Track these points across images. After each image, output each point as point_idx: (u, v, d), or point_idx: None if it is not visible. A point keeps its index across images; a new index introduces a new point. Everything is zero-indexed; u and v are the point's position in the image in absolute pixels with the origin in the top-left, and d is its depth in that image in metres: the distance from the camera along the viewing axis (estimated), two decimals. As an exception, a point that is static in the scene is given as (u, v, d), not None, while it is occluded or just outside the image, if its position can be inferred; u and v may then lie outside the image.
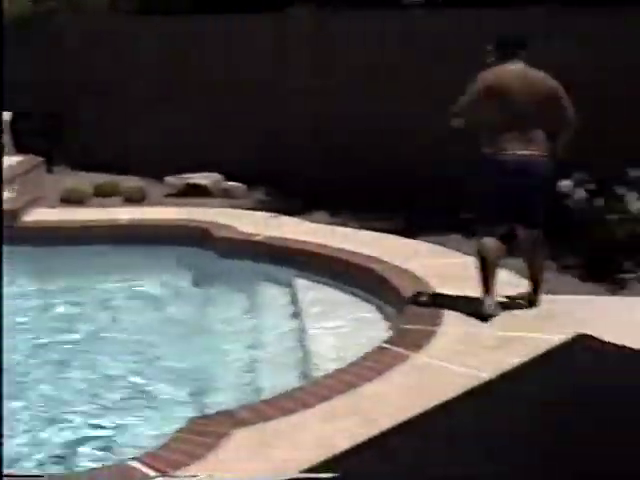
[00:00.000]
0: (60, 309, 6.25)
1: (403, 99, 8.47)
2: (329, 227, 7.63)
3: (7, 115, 10.02)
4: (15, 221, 7.66)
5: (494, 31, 5.44)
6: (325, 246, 6.79)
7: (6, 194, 8.10)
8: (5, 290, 5.09)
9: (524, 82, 5.04)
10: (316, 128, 9.05)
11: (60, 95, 10.49)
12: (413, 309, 5.27)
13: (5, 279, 6.44)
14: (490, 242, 5.19)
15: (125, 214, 8.11)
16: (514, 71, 5.09)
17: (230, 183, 9.14)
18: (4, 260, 4.98)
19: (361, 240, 7.00)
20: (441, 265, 6.27)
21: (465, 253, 6.24)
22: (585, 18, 7.60)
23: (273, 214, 7.98)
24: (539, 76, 5.10)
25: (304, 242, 6.93)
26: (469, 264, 5.51)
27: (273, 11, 9.13)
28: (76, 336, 5.69)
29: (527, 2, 7.64)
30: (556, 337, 4.72)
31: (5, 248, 7.17)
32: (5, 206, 7.63)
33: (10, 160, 9.59)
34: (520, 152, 5.03)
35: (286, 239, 7.04)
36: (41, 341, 5.60)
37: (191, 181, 9.07)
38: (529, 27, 6.58)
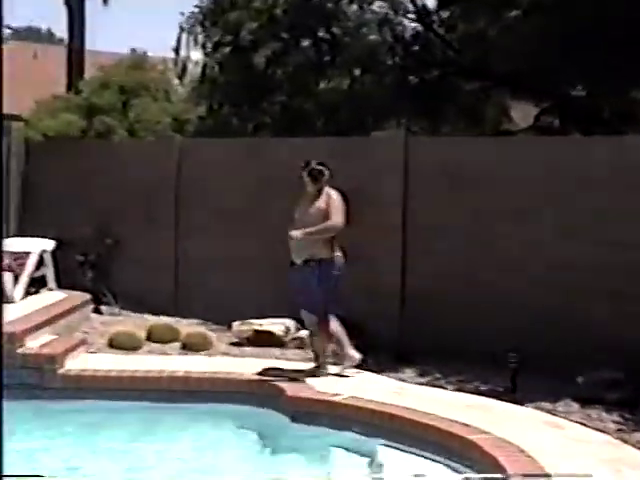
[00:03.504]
0: None
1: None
2: (419, 387, 7.60)
3: (49, 244, 10.36)
4: (55, 368, 7.75)
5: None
6: (415, 410, 6.73)
7: (47, 336, 8.33)
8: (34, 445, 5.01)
9: None
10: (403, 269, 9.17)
11: (108, 221, 10.92)
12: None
13: (38, 436, 6.57)
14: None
15: (183, 365, 8.17)
16: None
17: (304, 331, 9.19)
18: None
19: (457, 404, 6.92)
20: (552, 439, 6.14)
21: (579, 423, 6.10)
22: None
23: (357, 371, 7.96)
24: None
25: (390, 405, 6.87)
26: (584, 437, 5.37)
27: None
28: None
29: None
30: None
31: (43, 402, 7.44)
32: (45, 350, 7.84)
33: (52, 297, 9.91)
34: None
35: (370, 401, 6.99)
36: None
37: (259, 327, 9.15)
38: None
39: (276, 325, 9.19)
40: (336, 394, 7.20)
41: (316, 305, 7.77)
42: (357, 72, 12.71)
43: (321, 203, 7.76)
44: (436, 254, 8.95)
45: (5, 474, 3.39)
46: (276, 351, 8.86)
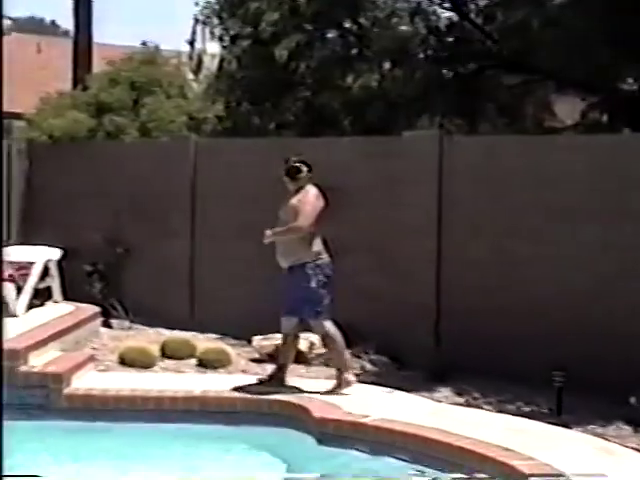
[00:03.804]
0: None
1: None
2: (456, 408, 7.60)
3: (55, 253, 10.42)
4: (61, 387, 7.78)
5: None
6: (452, 434, 6.73)
7: (52, 353, 8.38)
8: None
9: None
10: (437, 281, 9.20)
11: (118, 227, 11.00)
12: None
13: (41, 461, 6.61)
14: None
15: (200, 383, 8.19)
16: None
17: (330, 347, 9.22)
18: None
19: (497, 426, 6.91)
20: (605, 467, 6.11)
21: (634, 449, 6.07)
22: None
23: (387, 389, 7.98)
24: None
25: (425, 428, 6.88)
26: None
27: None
28: None
29: None
30: None
31: (48, 422, 7.48)
32: (50, 368, 7.89)
33: (57, 309, 9.97)
34: None
35: (403, 423, 6.99)
36: None
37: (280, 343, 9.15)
38: None
39: (300, 340, 9.17)
40: (365, 415, 7.21)
41: (299, 309, 7.93)
42: (387, 66, 12.73)
43: (294, 201, 7.93)
44: (473, 263, 8.95)
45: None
46: (300, 368, 8.86)
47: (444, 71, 12.22)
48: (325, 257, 7.96)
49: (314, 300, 7.88)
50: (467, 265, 9.00)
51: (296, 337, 8.22)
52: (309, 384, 8.15)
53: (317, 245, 7.94)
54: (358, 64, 12.67)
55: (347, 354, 8.12)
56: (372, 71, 12.66)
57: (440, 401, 7.87)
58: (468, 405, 7.77)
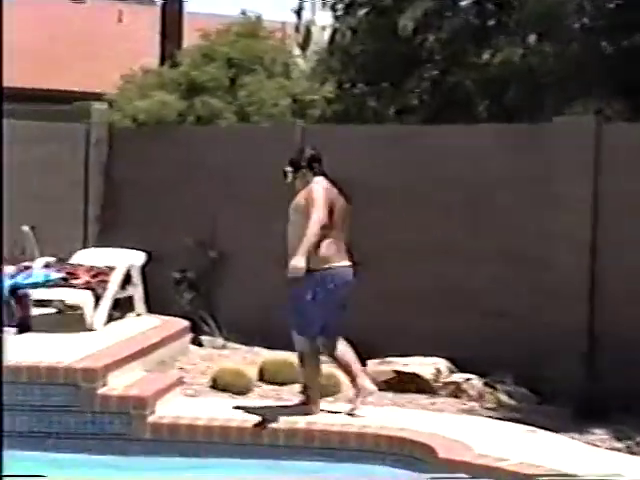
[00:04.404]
0: None
1: None
2: (613, 454, 7.45)
3: (138, 257, 10.55)
4: (144, 414, 7.85)
5: None
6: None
7: (134, 373, 8.50)
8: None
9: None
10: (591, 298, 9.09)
11: (211, 228, 11.12)
12: None
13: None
14: None
15: (305, 414, 8.13)
16: None
17: (461, 375, 9.19)
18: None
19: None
20: None
21: None
22: None
23: (528, 428, 7.87)
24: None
25: (579, 477, 6.75)
26: None
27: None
28: None
29: None
30: None
31: (128, 457, 7.59)
32: (131, 391, 8.00)
33: (140, 323, 10.11)
34: None
35: (549, 469, 6.88)
36: None
37: (402, 368, 9.17)
38: None
39: (425, 366, 9.22)
40: (502, 458, 7.12)
41: (308, 326, 8.00)
42: (532, 39, 12.58)
43: (300, 199, 8.07)
44: (637, 278, 8.80)
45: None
46: (423, 399, 8.87)
47: (603, 44, 12.00)
48: (334, 265, 7.98)
49: (303, 314, 7.97)
50: (629, 279, 8.86)
51: (318, 353, 8.19)
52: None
53: (327, 250, 7.96)
54: (497, 37, 12.53)
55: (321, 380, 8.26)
56: (514, 45, 12.48)
57: (597, 445, 7.71)
58: (631, 452, 7.58)
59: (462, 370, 9.29)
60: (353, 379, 8.17)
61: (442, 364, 9.23)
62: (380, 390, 9.03)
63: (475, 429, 7.91)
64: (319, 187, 8.01)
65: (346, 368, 8.19)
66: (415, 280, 10.00)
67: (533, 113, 11.37)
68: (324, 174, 8.13)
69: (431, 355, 9.38)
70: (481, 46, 12.65)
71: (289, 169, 8.26)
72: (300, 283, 7.83)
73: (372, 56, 12.92)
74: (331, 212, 7.93)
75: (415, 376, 9.14)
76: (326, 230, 7.89)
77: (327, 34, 14.57)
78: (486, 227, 9.63)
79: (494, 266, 9.56)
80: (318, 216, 7.82)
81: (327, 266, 7.93)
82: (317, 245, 7.87)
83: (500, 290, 9.52)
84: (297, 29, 15.79)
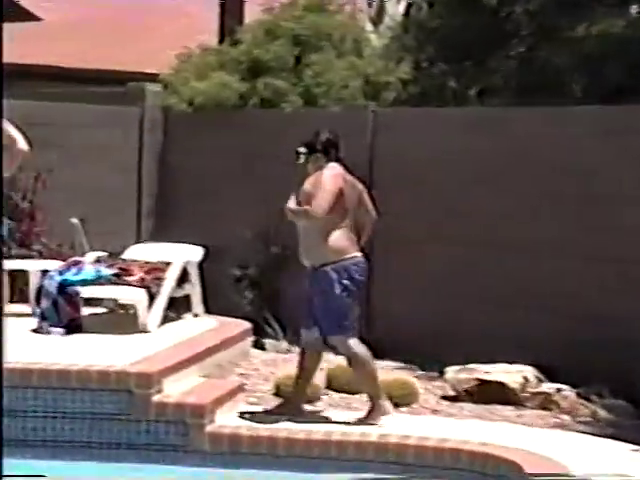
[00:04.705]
0: None
1: None
2: None
3: (196, 253, 10.52)
4: (203, 423, 7.85)
5: None
6: None
7: (192, 379, 8.51)
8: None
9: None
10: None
11: (275, 222, 11.08)
12: None
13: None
14: None
15: (377, 425, 8.12)
16: None
17: (551, 385, 9.11)
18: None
19: None
20: None
21: None
22: None
23: (633, 447, 7.75)
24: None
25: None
26: None
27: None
28: None
29: None
30: None
31: (185, 470, 7.60)
32: (189, 398, 8.02)
33: (198, 325, 10.14)
34: None
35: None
36: None
37: (485, 376, 9.09)
38: None
39: (511, 374, 9.14)
40: (593, 474, 7.03)
41: (347, 321, 8.08)
42: (634, 10, 12.40)
43: (307, 185, 8.16)
44: None
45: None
46: (508, 410, 8.82)
47: None
48: (352, 255, 8.07)
49: (335, 311, 7.99)
50: None
51: (319, 355, 8.26)
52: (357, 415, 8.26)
53: (342, 240, 8.07)
54: (594, 7, 12.35)
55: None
56: (613, 16, 12.30)
57: None
58: None
59: (550, 379, 9.20)
60: (373, 393, 8.20)
61: (529, 372, 9.14)
62: (460, 400, 9.06)
63: (569, 446, 7.83)
64: (329, 174, 8.07)
65: (369, 378, 8.21)
66: (496, 279, 9.98)
67: (636, 93, 11.18)
68: (339, 160, 8.17)
69: (514, 362, 9.28)
70: (575, 18, 12.47)
71: (303, 150, 8.29)
72: (325, 279, 7.96)
73: (452, 31, 12.80)
74: (341, 200, 8.00)
75: (500, 385, 9.04)
76: (337, 219, 8.01)
77: (402, 7, 14.52)
78: (584, 224, 9.52)
79: (588, 265, 9.48)
80: (318, 210, 7.92)
81: (349, 256, 8.06)
82: (327, 235, 7.99)
83: (595, 292, 9.45)
84: (369, 3, 15.75)
